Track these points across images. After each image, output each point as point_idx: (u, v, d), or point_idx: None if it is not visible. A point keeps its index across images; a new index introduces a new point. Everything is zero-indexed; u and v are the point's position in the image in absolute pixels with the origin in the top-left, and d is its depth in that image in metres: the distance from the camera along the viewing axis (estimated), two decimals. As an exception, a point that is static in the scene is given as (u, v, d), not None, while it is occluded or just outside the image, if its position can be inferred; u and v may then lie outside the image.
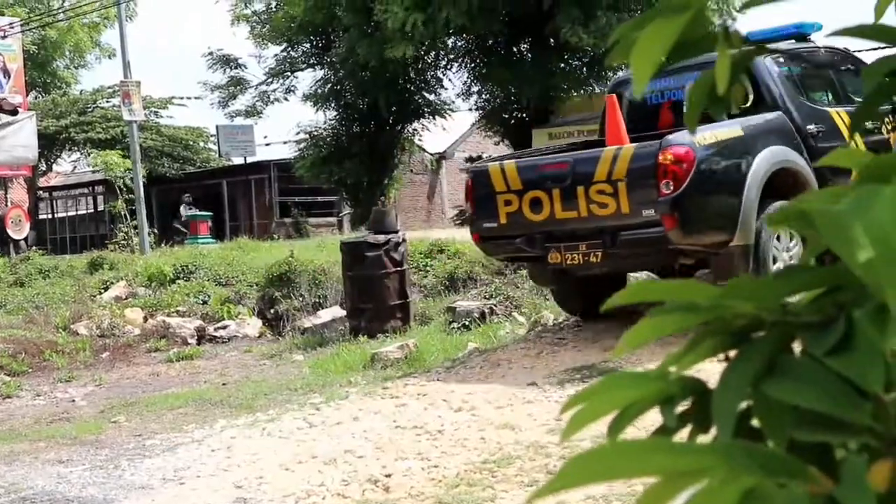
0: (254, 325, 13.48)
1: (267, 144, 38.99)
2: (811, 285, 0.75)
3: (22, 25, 30.75)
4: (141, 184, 23.37)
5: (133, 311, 14.06)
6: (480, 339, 9.71)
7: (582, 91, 26.73)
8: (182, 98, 37.79)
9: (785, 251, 7.84)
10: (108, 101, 36.84)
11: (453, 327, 10.61)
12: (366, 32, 24.14)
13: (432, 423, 6.42)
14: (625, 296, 0.86)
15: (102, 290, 15.88)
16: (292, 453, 6.13)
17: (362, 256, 11.28)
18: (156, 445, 6.97)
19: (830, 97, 9.01)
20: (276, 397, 8.44)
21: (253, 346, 12.46)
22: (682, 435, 0.78)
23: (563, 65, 25.65)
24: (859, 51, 10.72)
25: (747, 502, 0.61)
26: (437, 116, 29.16)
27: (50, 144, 34.88)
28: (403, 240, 11.75)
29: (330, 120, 29.19)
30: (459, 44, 26.96)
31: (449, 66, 28.23)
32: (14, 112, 24.29)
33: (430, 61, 27.50)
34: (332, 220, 32.95)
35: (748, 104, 8.16)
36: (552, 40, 24.36)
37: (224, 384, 9.87)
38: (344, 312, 11.98)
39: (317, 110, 29.21)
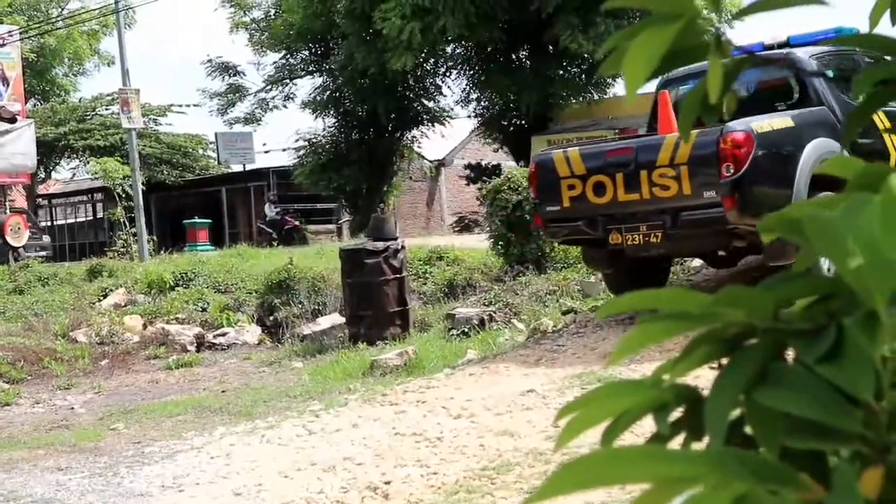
0: (253, 333, 13.47)
1: (266, 152, 39.06)
2: (803, 293, 0.76)
3: (21, 33, 30.80)
4: (140, 191, 23.37)
5: (132, 319, 14.05)
6: (479, 345, 9.70)
7: (581, 98, 26.76)
8: (181, 105, 37.88)
9: None
10: (106, 109, 36.90)
11: (452, 334, 10.61)
12: (364, 40, 24.16)
13: (431, 430, 6.42)
14: (620, 305, 0.87)
15: (101, 298, 15.88)
16: (291, 460, 6.12)
17: (361, 263, 11.28)
18: (155, 453, 6.96)
19: None
20: (276, 404, 8.43)
21: (252, 354, 12.45)
22: (679, 442, 0.79)
23: (561, 72, 25.69)
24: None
25: (739, 509, 0.61)
26: (436, 123, 29.19)
27: (49, 152, 34.91)
28: (402, 247, 11.75)
29: (329, 127, 29.22)
30: (458, 51, 27.01)
31: (448, 74, 28.28)
32: (13, 120, 24.32)
33: (429, 69, 27.53)
34: (332, 227, 32.95)
35: (794, 100, 8.93)
36: (551, 47, 24.39)
37: (223, 391, 9.86)
38: (343, 319, 11.97)
39: (316, 117, 29.25)
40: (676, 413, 0.78)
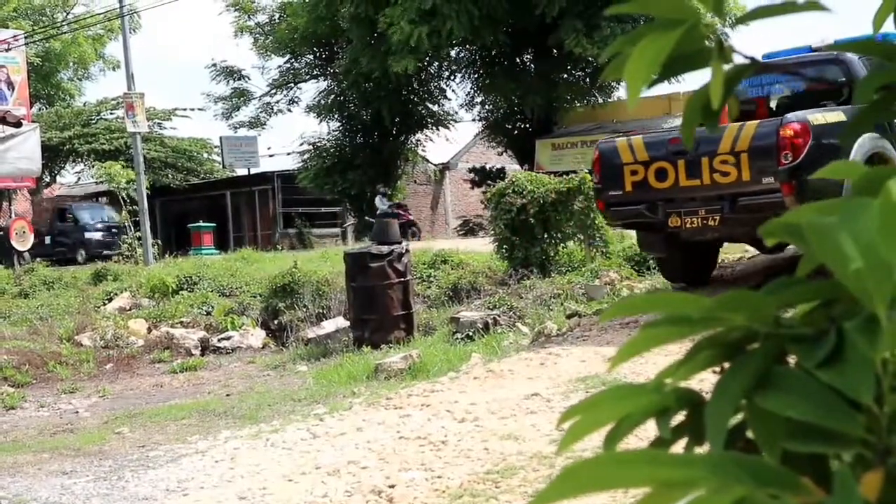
0: (257, 336, 13.48)
1: (271, 155, 39.05)
2: (804, 298, 0.76)
3: (26, 38, 30.87)
4: (145, 195, 23.42)
5: (137, 322, 14.08)
6: (484, 349, 9.70)
7: (585, 101, 26.79)
8: (186, 109, 37.95)
9: None
10: (111, 113, 36.95)
11: (457, 338, 10.60)
12: (369, 43, 24.18)
13: (436, 433, 6.42)
14: (623, 308, 0.87)
15: (106, 302, 15.91)
16: (296, 464, 6.12)
17: (366, 267, 11.28)
18: (159, 456, 6.97)
19: None
20: (280, 408, 8.44)
21: (256, 357, 12.46)
22: (681, 446, 0.79)
23: (566, 75, 25.71)
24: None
25: (739, 513, 0.61)
26: (440, 127, 29.21)
27: (54, 156, 34.97)
28: (407, 250, 11.75)
29: (333, 131, 29.26)
30: (462, 55, 27.03)
31: (452, 77, 28.31)
32: (18, 124, 24.37)
33: (433, 72, 27.56)
34: (336, 230, 32.96)
35: (844, 98, 9.44)
36: (555, 51, 24.40)
37: (228, 395, 9.87)
38: (347, 323, 11.98)
39: (320, 121, 29.33)
40: (679, 417, 0.79)
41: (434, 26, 21.97)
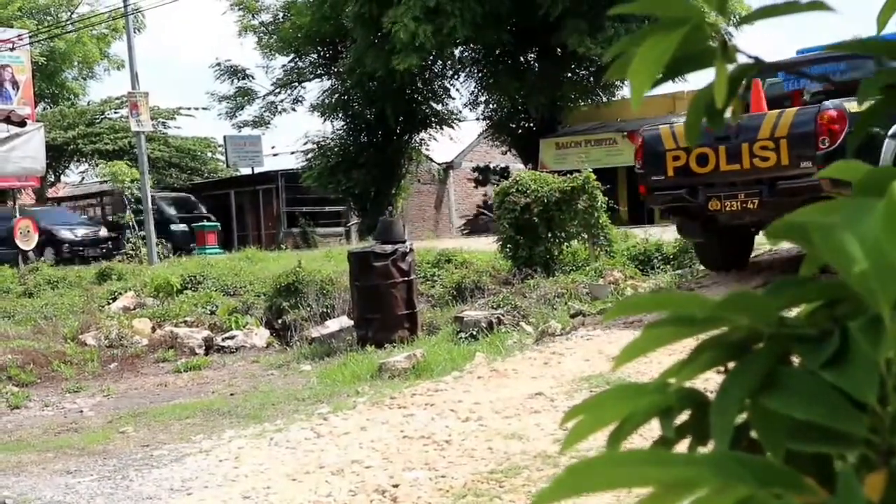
0: (261, 336, 13.49)
1: (274, 155, 39.06)
2: (808, 298, 0.76)
3: (30, 37, 30.88)
4: (149, 194, 23.43)
5: (141, 322, 14.09)
6: (488, 348, 9.70)
7: (589, 100, 26.75)
8: (190, 109, 38.00)
9: None
10: (116, 112, 37.01)
11: (461, 337, 10.60)
12: (373, 43, 24.17)
13: (440, 433, 6.42)
14: (627, 307, 0.87)
15: (110, 301, 15.92)
16: (300, 463, 6.13)
17: (370, 266, 11.28)
18: (163, 456, 6.97)
19: None
20: (284, 407, 8.44)
21: (260, 356, 12.47)
22: (685, 446, 0.79)
23: (569, 74, 25.68)
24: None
25: (742, 513, 0.61)
26: (444, 126, 29.18)
27: (58, 155, 35.02)
28: (411, 249, 11.75)
29: (337, 130, 29.23)
30: (466, 54, 27.02)
31: (456, 76, 28.29)
32: (22, 123, 24.36)
33: (437, 71, 27.54)
34: (340, 230, 32.95)
35: None
36: (559, 50, 24.38)
37: (232, 394, 9.88)
38: (351, 322, 11.98)
39: (324, 120, 29.29)
40: (683, 417, 0.78)
41: (438, 24, 21.98)
